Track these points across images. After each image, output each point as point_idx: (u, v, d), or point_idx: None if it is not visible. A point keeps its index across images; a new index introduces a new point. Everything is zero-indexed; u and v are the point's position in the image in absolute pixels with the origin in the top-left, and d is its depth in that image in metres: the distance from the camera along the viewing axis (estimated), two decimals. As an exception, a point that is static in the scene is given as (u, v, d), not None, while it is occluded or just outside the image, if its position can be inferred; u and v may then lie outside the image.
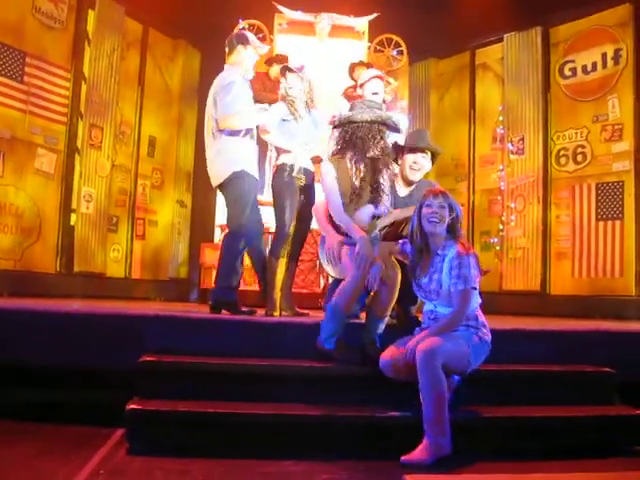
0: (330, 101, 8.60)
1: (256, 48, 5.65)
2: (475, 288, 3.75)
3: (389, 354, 3.86)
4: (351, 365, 4.11)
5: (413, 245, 3.99)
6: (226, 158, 5.37)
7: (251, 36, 5.72)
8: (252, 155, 5.50)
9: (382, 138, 4.59)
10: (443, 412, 3.48)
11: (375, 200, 4.49)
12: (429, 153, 4.77)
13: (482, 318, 3.86)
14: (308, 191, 5.53)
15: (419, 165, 4.71)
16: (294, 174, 5.34)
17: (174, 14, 9.80)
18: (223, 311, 5.25)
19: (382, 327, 4.24)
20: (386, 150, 4.62)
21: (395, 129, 4.73)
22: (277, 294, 5.39)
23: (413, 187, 4.77)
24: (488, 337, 3.82)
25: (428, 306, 3.96)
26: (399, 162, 4.79)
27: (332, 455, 3.57)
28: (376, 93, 5.62)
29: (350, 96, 8.24)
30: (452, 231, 3.87)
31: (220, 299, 5.29)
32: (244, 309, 5.22)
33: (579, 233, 9.14)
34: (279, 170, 5.42)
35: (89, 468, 3.21)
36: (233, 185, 5.36)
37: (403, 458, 3.42)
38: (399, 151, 4.78)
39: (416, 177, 4.74)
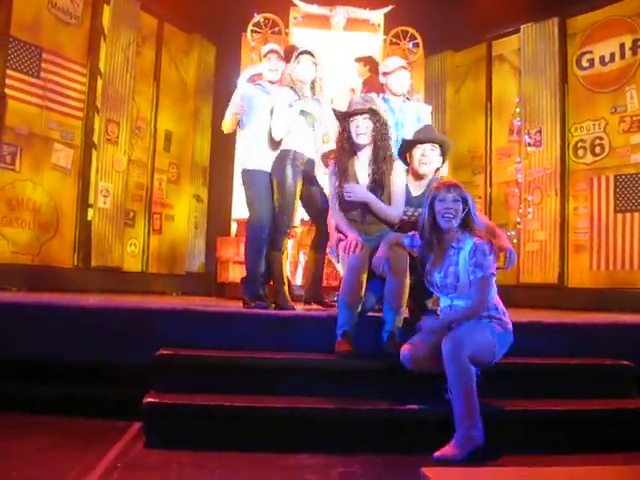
0: (345, 93, 8.61)
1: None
2: (493, 274, 3.71)
3: (409, 346, 3.82)
4: (346, 359, 4.09)
5: (423, 240, 3.96)
6: (242, 153, 5.63)
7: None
8: (253, 150, 5.48)
9: (376, 128, 4.62)
10: (473, 404, 3.44)
11: (374, 190, 4.56)
12: (437, 146, 4.70)
13: (501, 306, 3.82)
14: (314, 181, 5.51)
15: (428, 158, 4.63)
16: (297, 162, 5.31)
17: (189, 8, 9.83)
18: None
19: (399, 320, 4.20)
20: (385, 141, 4.66)
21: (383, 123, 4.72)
22: (286, 286, 5.39)
23: (426, 185, 4.68)
24: (510, 326, 3.79)
25: (444, 301, 3.92)
26: (408, 159, 4.76)
27: (348, 449, 3.57)
28: (403, 85, 5.64)
29: (371, 84, 8.25)
30: (467, 223, 3.81)
31: (249, 293, 5.31)
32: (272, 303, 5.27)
33: (597, 225, 9.07)
34: (281, 156, 5.36)
35: (106, 461, 3.23)
36: (243, 181, 5.55)
37: (436, 454, 3.36)
38: (408, 146, 4.74)
39: (426, 170, 4.67)
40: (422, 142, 4.66)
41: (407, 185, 4.70)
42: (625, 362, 4.28)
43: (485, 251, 3.69)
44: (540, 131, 9.69)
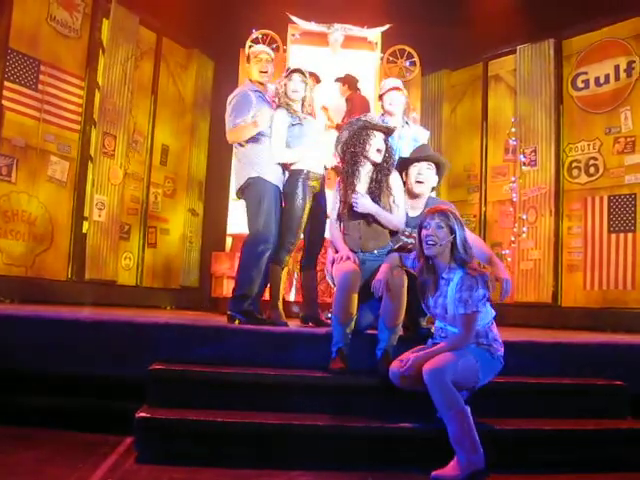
0: (341, 110, 8.66)
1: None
2: (477, 311, 3.63)
3: (397, 363, 3.83)
4: (338, 376, 4.09)
5: (419, 265, 3.96)
6: (242, 165, 5.50)
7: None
8: (269, 161, 5.43)
9: (374, 142, 4.64)
10: (467, 428, 3.41)
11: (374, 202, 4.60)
12: (433, 165, 4.74)
13: (494, 333, 3.80)
14: (320, 197, 5.52)
15: (424, 176, 4.68)
16: (309, 181, 5.33)
17: (188, 23, 9.88)
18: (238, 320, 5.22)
19: (394, 338, 4.19)
20: (384, 156, 4.69)
21: (386, 130, 4.76)
22: (280, 303, 5.39)
23: (423, 205, 4.72)
24: (500, 352, 3.76)
25: (439, 323, 3.92)
26: (404, 178, 4.78)
27: (341, 466, 3.57)
28: (391, 104, 5.71)
29: (353, 101, 8.34)
30: (453, 254, 3.75)
31: (234, 308, 5.26)
32: (263, 318, 5.25)
33: (591, 245, 9.10)
34: (295, 173, 5.38)
35: (98, 475, 3.22)
36: (248, 191, 5.44)
37: (434, 473, 3.37)
38: (404, 165, 4.78)
39: (422, 189, 4.71)
40: (418, 160, 4.69)
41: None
42: (618, 382, 4.30)
43: (472, 286, 3.62)
44: (535, 151, 9.74)
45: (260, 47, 5.89)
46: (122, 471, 3.35)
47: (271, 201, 5.34)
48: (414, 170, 4.67)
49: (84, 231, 8.90)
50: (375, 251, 4.55)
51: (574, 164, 9.47)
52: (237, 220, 8.56)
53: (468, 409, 3.48)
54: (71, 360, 4.28)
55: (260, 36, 9.91)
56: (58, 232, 8.64)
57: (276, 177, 5.43)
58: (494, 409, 3.97)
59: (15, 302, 7.33)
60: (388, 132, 4.77)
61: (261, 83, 5.67)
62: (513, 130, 10.16)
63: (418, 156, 4.75)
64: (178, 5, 9.36)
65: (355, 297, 4.23)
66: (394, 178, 4.68)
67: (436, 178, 4.79)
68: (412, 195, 4.73)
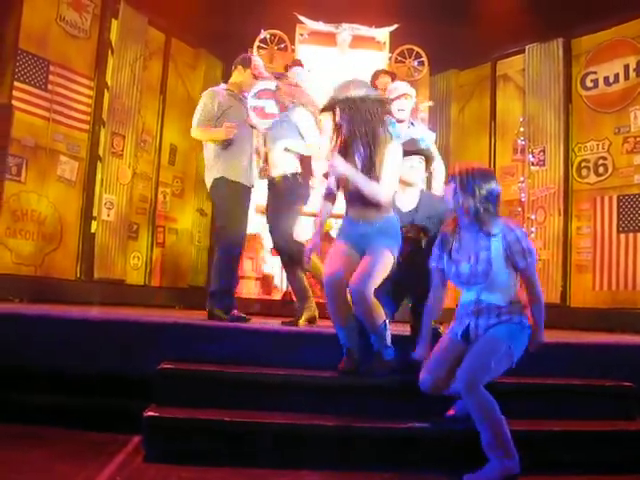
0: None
1: (256, 75, 5.94)
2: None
3: (428, 373, 3.74)
4: (346, 375, 4.11)
5: (447, 230, 3.87)
6: (209, 166, 5.71)
7: (256, 61, 6.00)
8: (237, 163, 5.60)
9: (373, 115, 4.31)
10: (503, 434, 3.34)
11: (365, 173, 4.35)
12: (424, 159, 4.81)
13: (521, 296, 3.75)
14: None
15: (415, 169, 4.75)
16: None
17: (196, 24, 9.88)
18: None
19: (383, 338, 4.10)
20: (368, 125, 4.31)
21: (384, 104, 4.49)
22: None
23: (417, 199, 4.74)
24: (527, 319, 3.72)
25: (468, 296, 3.76)
26: None
27: (349, 466, 3.57)
28: (402, 110, 5.71)
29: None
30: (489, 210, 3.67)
31: (208, 305, 5.47)
32: (237, 315, 5.37)
33: (600, 245, 9.06)
34: (295, 177, 5.44)
35: (106, 474, 3.23)
36: (214, 191, 5.64)
37: (466, 477, 3.32)
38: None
39: (412, 179, 4.74)
40: (410, 154, 4.71)
41: (394, 200, 4.60)
42: (627, 383, 4.28)
43: (524, 237, 3.67)
44: (544, 150, 9.71)
45: (261, 66, 6.08)
46: (130, 470, 3.36)
47: (243, 202, 5.52)
48: (406, 164, 4.65)
49: (93, 230, 8.92)
50: (373, 220, 4.23)
51: (583, 164, 9.44)
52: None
53: (501, 417, 3.42)
54: (79, 359, 4.30)
55: (268, 36, 9.93)
56: (67, 231, 8.66)
57: (242, 176, 5.59)
58: (501, 410, 3.94)
59: (24, 301, 7.35)
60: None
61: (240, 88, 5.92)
62: (522, 130, 10.12)
63: (410, 150, 4.74)
64: (186, 5, 9.35)
65: (344, 298, 4.13)
66: (390, 151, 4.30)
67: (423, 170, 4.86)
68: (404, 186, 4.71)
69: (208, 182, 5.71)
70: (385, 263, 4.09)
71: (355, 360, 4.15)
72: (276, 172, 5.71)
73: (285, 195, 5.61)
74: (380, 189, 4.19)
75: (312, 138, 5.70)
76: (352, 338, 4.19)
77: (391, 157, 4.25)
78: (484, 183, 3.65)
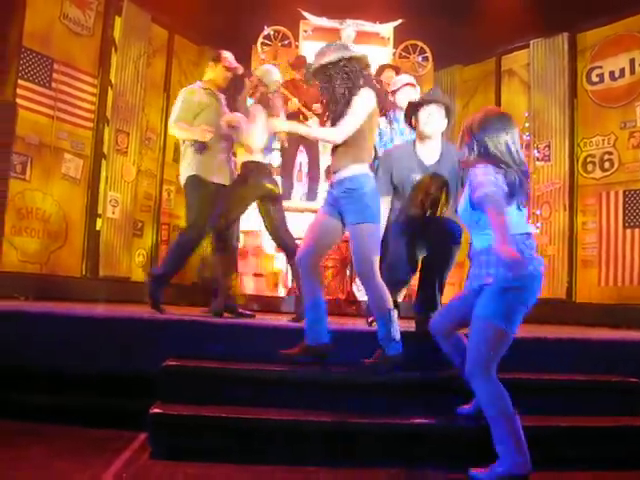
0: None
1: (227, 67, 5.91)
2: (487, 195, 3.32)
3: (440, 314, 3.87)
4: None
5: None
6: (185, 163, 5.76)
7: (225, 54, 5.99)
8: (211, 161, 5.66)
9: (350, 73, 4.19)
10: (513, 429, 3.28)
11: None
12: (443, 108, 4.73)
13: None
14: None
15: (434, 118, 4.68)
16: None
17: (199, 20, 9.87)
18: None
19: (389, 330, 4.03)
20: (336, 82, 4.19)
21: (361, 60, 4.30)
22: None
23: (439, 152, 4.71)
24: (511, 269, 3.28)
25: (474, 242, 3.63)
26: (414, 123, 4.77)
27: (355, 462, 3.57)
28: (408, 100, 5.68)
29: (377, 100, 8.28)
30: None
31: (150, 288, 5.64)
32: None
33: (606, 241, 9.04)
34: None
35: (112, 471, 3.24)
36: (188, 188, 5.71)
37: (474, 471, 3.31)
38: (414, 108, 4.75)
39: (431, 130, 4.68)
40: (428, 102, 4.69)
41: (416, 152, 4.68)
42: (633, 379, 4.27)
43: (482, 170, 3.43)
44: (549, 146, 9.69)
45: (231, 58, 6.04)
46: (136, 467, 3.37)
47: (208, 199, 5.58)
48: (424, 113, 4.66)
49: (98, 228, 8.93)
50: (344, 180, 4.10)
51: (589, 159, 9.41)
52: (250, 217, 8.55)
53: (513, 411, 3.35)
54: (85, 357, 4.31)
55: (272, 32, 9.92)
56: (72, 229, 8.67)
57: (216, 175, 5.69)
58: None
59: (30, 299, 7.36)
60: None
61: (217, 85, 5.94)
62: (527, 125, 10.09)
63: (427, 98, 4.73)
64: (189, 2, 9.35)
65: (311, 274, 4.18)
66: (358, 97, 4.13)
67: (445, 121, 4.78)
68: (423, 138, 4.71)
69: (182, 179, 5.78)
70: (367, 241, 4.03)
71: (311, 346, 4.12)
72: None
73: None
74: (329, 129, 4.16)
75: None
76: (312, 321, 4.16)
77: (356, 102, 4.11)
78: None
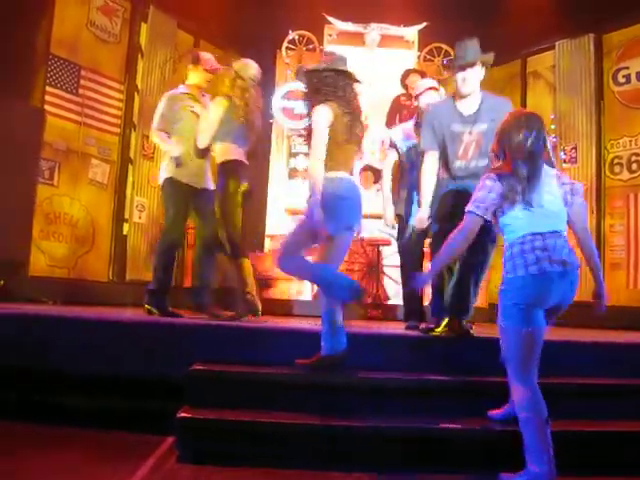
0: (381, 111, 8.64)
1: (207, 69, 5.93)
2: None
3: None
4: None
5: None
6: (163, 165, 5.87)
7: (204, 56, 6.03)
8: (187, 165, 5.70)
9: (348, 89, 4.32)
10: (541, 437, 3.20)
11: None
12: (474, 66, 4.76)
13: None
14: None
15: (469, 79, 4.73)
16: None
17: (224, 26, 9.92)
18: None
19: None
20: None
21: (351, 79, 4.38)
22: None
23: (478, 103, 4.77)
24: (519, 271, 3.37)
25: None
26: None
27: (380, 467, 3.55)
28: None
29: (403, 105, 8.26)
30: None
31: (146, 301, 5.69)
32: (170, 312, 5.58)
33: (634, 243, 8.94)
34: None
35: (139, 476, 3.25)
36: (164, 191, 5.84)
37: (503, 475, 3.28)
38: (453, 67, 4.87)
39: (469, 89, 4.75)
40: (460, 70, 4.74)
41: (456, 106, 4.77)
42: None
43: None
44: (575, 148, 9.61)
45: (211, 60, 6.07)
46: (164, 471, 3.38)
47: (183, 202, 5.71)
48: (459, 77, 4.73)
49: (124, 233, 9.01)
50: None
51: (616, 160, 9.32)
52: (276, 221, 8.61)
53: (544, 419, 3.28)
54: (113, 361, 4.33)
55: (296, 37, 9.95)
56: (99, 234, 8.76)
57: (192, 179, 5.74)
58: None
59: (58, 303, 7.44)
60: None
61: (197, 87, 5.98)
62: (553, 127, 10.01)
63: (462, 64, 4.75)
64: (215, 8, 9.42)
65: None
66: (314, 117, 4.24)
67: (482, 72, 4.81)
68: (462, 96, 4.78)
69: (160, 181, 5.87)
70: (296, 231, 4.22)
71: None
72: None
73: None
74: (310, 165, 4.17)
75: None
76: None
77: (314, 121, 4.19)
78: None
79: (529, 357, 3.31)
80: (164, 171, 5.78)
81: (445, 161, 4.81)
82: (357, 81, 4.36)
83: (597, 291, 3.60)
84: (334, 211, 4.03)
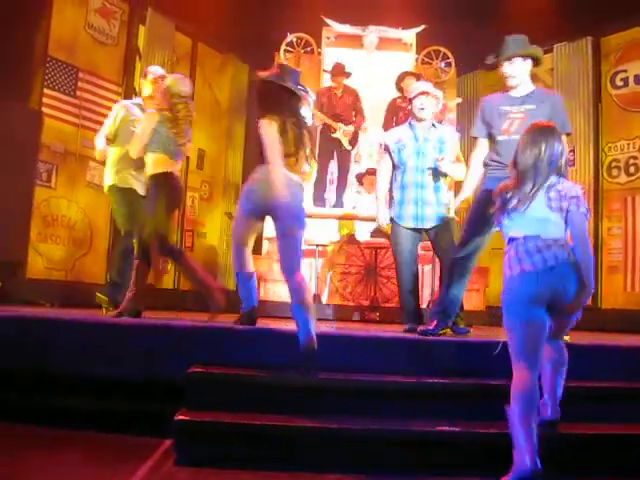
0: (379, 114, 8.64)
1: (154, 80, 6.06)
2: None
3: None
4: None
5: None
6: (106, 172, 6.05)
7: (151, 69, 6.24)
8: (127, 171, 5.90)
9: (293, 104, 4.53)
10: (522, 430, 3.15)
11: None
12: (517, 60, 4.96)
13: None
14: None
15: (513, 75, 4.94)
16: None
17: (223, 28, 9.94)
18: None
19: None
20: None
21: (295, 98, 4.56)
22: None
23: (530, 91, 4.96)
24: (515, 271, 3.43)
25: None
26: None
27: (377, 470, 3.55)
28: (423, 109, 5.67)
29: (399, 107, 8.27)
30: None
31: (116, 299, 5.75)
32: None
33: (631, 246, 8.96)
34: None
35: (138, 477, 3.24)
36: (110, 197, 6.07)
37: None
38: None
39: (514, 82, 4.94)
40: (504, 62, 4.96)
41: (507, 93, 5.03)
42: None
43: None
44: (573, 150, 9.60)
45: (157, 72, 6.18)
46: (161, 474, 3.36)
47: (131, 205, 5.87)
48: (502, 71, 4.97)
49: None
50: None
51: (613, 163, 9.34)
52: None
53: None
54: (110, 363, 4.32)
55: (295, 39, 9.95)
56: (97, 236, 8.75)
57: (134, 183, 5.94)
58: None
59: (55, 306, 7.42)
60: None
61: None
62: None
63: (494, 62, 5.07)
64: (213, 10, 9.42)
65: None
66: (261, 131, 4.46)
67: (527, 63, 5.01)
68: (510, 88, 4.99)
69: (105, 187, 6.06)
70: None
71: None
72: None
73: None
74: (273, 174, 4.31)
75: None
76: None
77: (263, 136, 4.38)
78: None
79: (532, 350, 3.33)
80: (107, 177, 6.00)
81: (492, 140, 5.06)
82: (300, 98, 4.54)
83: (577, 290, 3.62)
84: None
